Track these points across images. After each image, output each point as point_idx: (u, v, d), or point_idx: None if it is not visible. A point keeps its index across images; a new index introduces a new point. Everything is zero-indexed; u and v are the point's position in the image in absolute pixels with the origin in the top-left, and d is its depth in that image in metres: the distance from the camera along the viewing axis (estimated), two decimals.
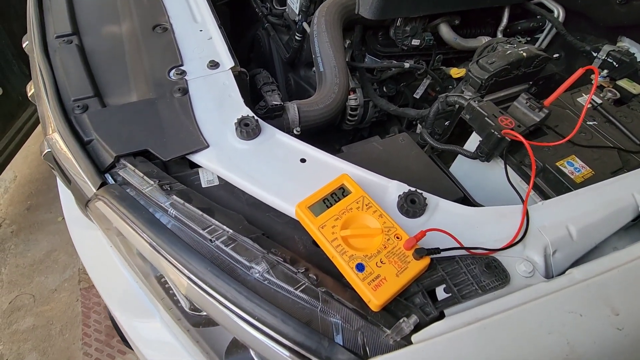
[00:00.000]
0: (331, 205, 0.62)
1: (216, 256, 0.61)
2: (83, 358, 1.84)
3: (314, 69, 1.27)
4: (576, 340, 0.51)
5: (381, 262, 0.56)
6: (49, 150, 0.79)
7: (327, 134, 1.71)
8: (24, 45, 1.06)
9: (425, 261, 0.56)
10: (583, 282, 0.55)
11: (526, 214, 0.66)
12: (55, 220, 2.25)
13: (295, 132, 1.02)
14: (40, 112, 0.81)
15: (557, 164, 0.79)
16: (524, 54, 1.02)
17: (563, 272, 0.63)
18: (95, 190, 0.68)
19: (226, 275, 0.58)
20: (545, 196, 0.79)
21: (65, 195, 1.02)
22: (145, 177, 0.69)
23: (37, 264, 2.15)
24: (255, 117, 0.75)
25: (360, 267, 0.55)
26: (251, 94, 1.08)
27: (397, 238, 0.58)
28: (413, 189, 0.68)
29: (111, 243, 0.75)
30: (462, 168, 1.00)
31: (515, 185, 0.84)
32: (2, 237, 2.25)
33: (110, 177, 0.72)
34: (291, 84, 1.69)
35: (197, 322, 0.74)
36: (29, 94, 0.94)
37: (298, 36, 1.44)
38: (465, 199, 0.93)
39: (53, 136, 0.75)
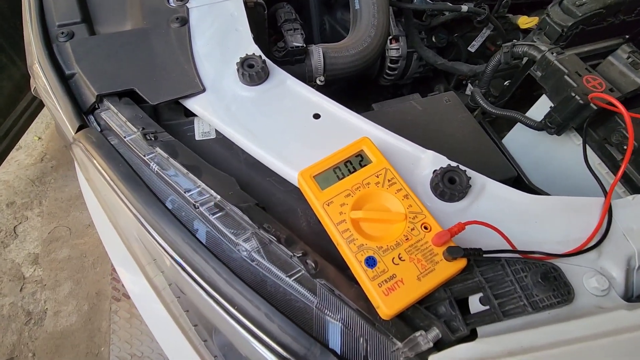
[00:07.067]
0: (344, 176, 0.48)
1: (198, 225, 0.51)
2: (112, 292, 1.93)
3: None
4: None
5: (400, 258, 0.42)
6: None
7: (361, 89, 1.52)
8: None
9: (460, 264, 0.42)
10: None
11: (609, 210, 0.49)
12: None
13: (318, 82, 0.86)
14: (25, 38, 0.71)
15: None
16: None
17: None
18: (73, 134, 0.59)
19: (206, 250, 0.47)
20: (633, 188, 0.60)
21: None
22: (128, 122, 0.58)
23: (74, 199, 2.22)
24: (263, 57, 0.61)
25: (370, 262, 0.42)
26: (271, 34, 0.92)
27: (425, 229, 0.44)
28: (454, 164, 0.52)
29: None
30: (519, 141, 0.81)
31: (593, 168, 0.65)
32: (43, 170, 2.34)
33: (93, 119, 0.62)
34: (326, 28, 1.48)
35: None
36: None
37: None
38: (519, 181, 0.75)
39: (34, 67, 0.65)
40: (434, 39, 1.30)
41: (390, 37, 1.27)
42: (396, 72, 1.31)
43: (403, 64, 1.30)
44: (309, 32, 1.55)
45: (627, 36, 0.90)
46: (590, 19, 0.76)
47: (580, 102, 0.59)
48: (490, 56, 1.32)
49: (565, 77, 0.62)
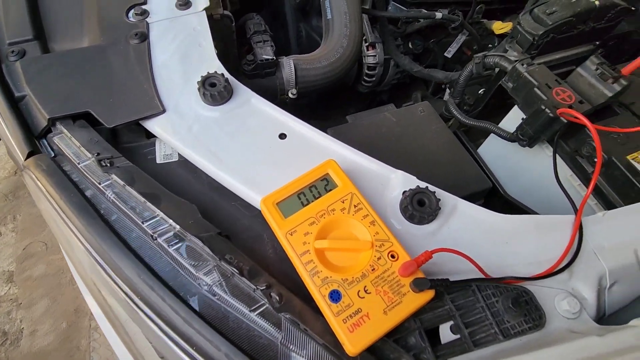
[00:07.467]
0: (308, 202, 0.46)
1: (157, 258, 0.48)
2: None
3: None
4: None
5: (366, 290, 0.40)
6: None
7: (340, 97, 1.50)
8: None
9: (427, 295, 0.40)
10: None
11: (579, 228, 0.48)
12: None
13: (290, 94, 0.83)
14: None
15: (628, 157, 0.58)
16: (597, 2, 0.76)
17: (617, 314, 0.46)
18: (22, 161, 0.55)
19: (162, 287, 0.44)
20: (605, 201, 0.59)
21: None
22: (82, 147, 0.54)
23: None
24: (226, 76, 0.58)
25: (335, 296, 0.40)
26: (243, 43, 0.90)
27: (392, 257, 0.42)
28: (423, 184, 0.50)
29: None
30: (494, 150, 0.80)
31: (564, 180, 0.64)
32: (16, 184, 2.25)
33: (46, 144, 0.58)
34: (302, 36, 1.46)
35: None
36: None
37: None
38: (495, 192, 0.75)
39: None
40: (410, 45, 1.29)
41: (367, 44, 1.26)
42: (374, 78, 1.30)
43: (380, 70, 1.28)
44: (286, 39, 1.53)
45: (597, 42, 0.91)
46: (560, 27, 0.76)
47: (550, 115, 0.58)
48: (467, 61, 1.32)
49: (535, 89, 0.61)
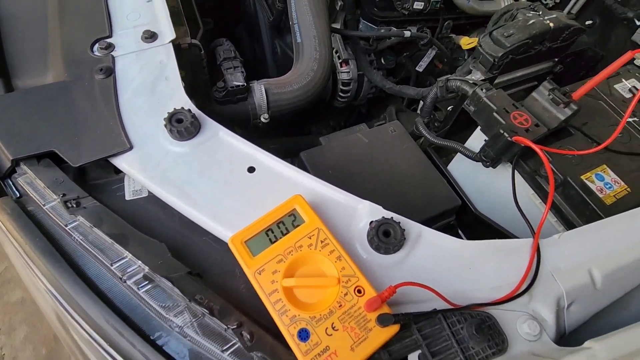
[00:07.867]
0: (276, 239, 0.47)
1: (127, 301, 0.48)
2: None
3: None
4: None
5: (333, 327, 0.41)
6: None
7: (321, 111, 1.52)
8: None
9: (392, 329, 0.42)
10: None
11: (537, 251, 0.50)
12: None
13: (262, 119, 0.84)
14: None
15: (582, 177, 0.61)
16: (551, 24, 0.80)
17: (577, 332, 0.49)
18: None
19: (132, 332, 0.44)
20: (564, 219, 0.62)
21: None
22: (47, 188, 0.54)
23: None
24: (192, 111, 0.58)
25: (303, 335, 0.41)
26: (213, 68, 0.90)
27: (359, 292, 0.43)
28: (389, 214, 0.51)
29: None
30: (463, 167, 0.83)
31: (527, 198, 0.67)
32: None
33: (12, 185, 0.57)
34: (277, 52, 1.47)
35: None
36: None
37: None
38: (465, 209, 0.77)
39: None
40: (383, 61, 1.32)
41: (341, 60, 1.28)
42: (349, 94, 1.32)
43: (355, 86, 1.31)
44: (262, 55, 1.54)
45: (556, 59, 0.95)
46: (518, 49, 0.80)
47: (508, 139, 0.61)
48: (439, 74, 1.36)
49: (494, 114, 0.63)
